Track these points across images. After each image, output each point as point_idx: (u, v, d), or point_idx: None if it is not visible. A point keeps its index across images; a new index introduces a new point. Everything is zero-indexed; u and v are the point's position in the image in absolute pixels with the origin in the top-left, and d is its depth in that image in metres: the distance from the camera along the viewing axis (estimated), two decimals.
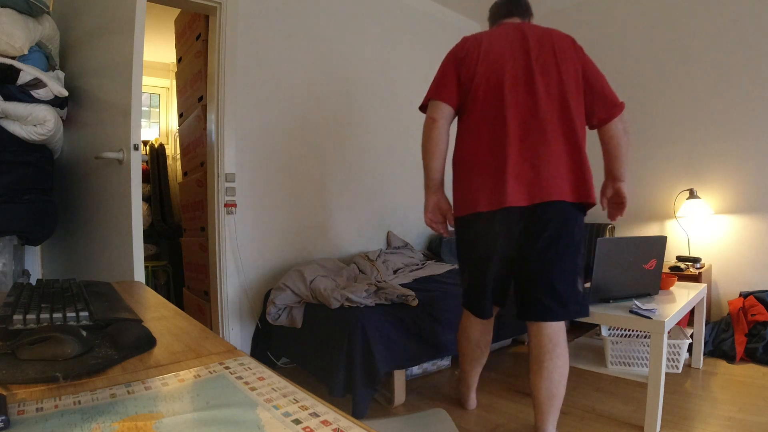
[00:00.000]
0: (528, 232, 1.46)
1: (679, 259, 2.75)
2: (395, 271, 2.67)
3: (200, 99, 2.60)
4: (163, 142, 3.98)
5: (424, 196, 1.63)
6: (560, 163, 1.44)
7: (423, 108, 1.66)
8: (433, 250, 3.20)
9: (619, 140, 1.54)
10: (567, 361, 1.49)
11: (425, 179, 1.60)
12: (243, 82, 2.41)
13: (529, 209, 1.44)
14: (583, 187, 1.45)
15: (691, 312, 2.25)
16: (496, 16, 1.72)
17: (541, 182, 1.42)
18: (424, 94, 1.65)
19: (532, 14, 1.73)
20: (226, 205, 2.33)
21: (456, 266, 2.79)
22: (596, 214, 3.28)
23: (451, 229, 1.67)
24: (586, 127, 1.55)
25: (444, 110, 1.56)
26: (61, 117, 1.74)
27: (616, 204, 1.62)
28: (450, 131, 1.59)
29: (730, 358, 2.34)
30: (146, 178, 3.65)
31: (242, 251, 2.38)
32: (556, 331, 1.47)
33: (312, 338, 2.02)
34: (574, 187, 1.45)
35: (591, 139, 1.53)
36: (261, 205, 2.49)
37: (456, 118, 1.63)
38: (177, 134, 3.62)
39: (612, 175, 1.59)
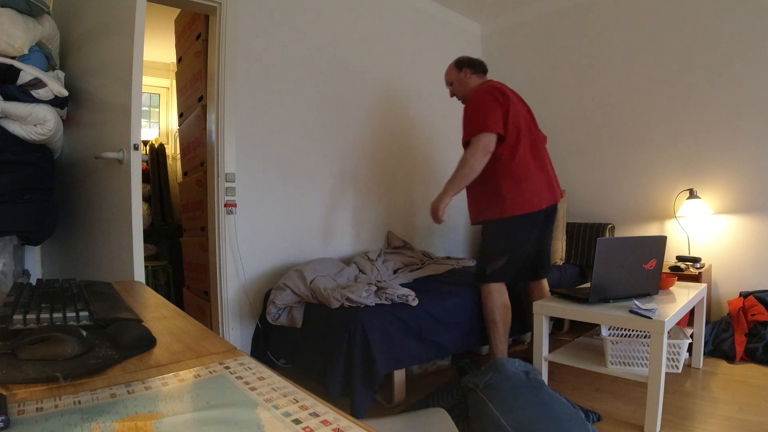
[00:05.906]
0: (547, 222, 2.19)
1: (679, 259, 2.75)
2: (395, 271, 2.66)
3: (200, 99, 2.60)
4: (163, 142, 3.97)
5: (444, 195, 2.06)
6: (555, 176, 2.23)
7: (467, 144, 2.06)
8: None
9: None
10: None
11: (454, 188, 2.05)
12: (243, 82, 2.41)
13: (553, 206, 2.16)
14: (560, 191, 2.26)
15: (691, 312, 2.25)
16: (480, 68, 2.28)
17: (558, 188, 2.20)
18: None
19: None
20: (226, 205, 2.33)
21: (455, 266, 2.82)
22: (596, 214, 3.29)
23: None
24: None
25: (493, 143, 2.01)
26: (61, 117, 1.74)
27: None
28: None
29: (730, 358, 2.34)
30: (146, 178, 3.65)
31: (242, 251, 2.38)
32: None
33: (312, 338, 2.02)
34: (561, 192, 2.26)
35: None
36: (261, 205, 2.49)
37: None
38: (177, 134, 3.62)
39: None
